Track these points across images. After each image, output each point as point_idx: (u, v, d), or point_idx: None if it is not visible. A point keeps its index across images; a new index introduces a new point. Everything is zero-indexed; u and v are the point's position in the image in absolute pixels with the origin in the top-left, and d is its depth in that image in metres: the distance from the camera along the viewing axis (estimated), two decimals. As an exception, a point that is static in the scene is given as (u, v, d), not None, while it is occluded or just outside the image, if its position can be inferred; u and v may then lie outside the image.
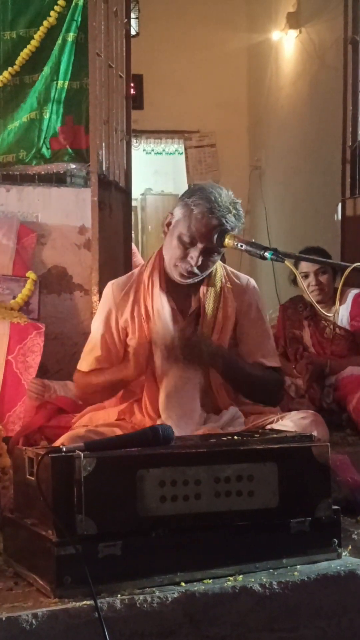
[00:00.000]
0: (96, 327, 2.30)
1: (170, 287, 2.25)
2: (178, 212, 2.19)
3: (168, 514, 1.63)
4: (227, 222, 2.14)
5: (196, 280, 2.23)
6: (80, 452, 1.58)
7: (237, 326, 2.27)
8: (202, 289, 2.25)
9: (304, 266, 3.15)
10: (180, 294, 2.26)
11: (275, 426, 2.15)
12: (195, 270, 2.17)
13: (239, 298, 2.28)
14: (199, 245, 2.14)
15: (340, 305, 3.13)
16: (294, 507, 1.73)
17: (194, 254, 2.14)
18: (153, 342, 2.15)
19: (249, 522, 1.69)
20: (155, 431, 1.70)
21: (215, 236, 2.13)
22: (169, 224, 2.22)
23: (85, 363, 2.30)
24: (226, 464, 1.68)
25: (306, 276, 3.17)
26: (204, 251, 2.15)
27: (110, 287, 2.31)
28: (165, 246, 2.24)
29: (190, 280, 2.22)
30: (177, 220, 2.18)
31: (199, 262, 2.15)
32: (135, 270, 2.34)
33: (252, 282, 2.35)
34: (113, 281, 2.33)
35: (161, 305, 2.21)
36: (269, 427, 2.16)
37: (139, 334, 2.22)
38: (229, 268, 2.34)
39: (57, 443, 2.03)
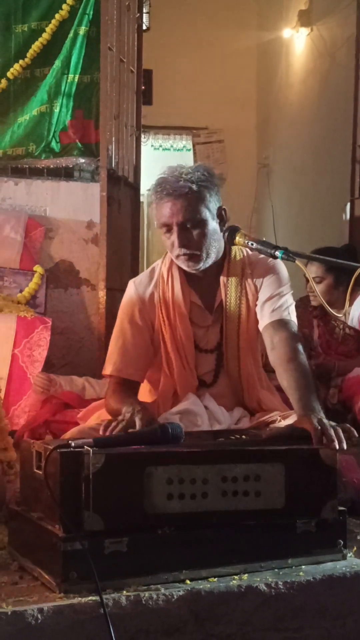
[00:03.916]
0: (120, 326, 2.22)
1: (192, 282, 2.22)
2: (152, 213, 2.18)
3: (175, 512, 1.62)
4: (178, 188, 2.08)
5: (206, 265, 2.15)
6: (89, 448, 1.57)
7: (260, 292, 2.19)
8: (223, 279, 2.21)
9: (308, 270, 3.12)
10: (204, 287, 2.22)
11: (278, 425, 2.13)
12: (185, 250, 2.11)
13: (259, 275, 2.20)
14: (174, 228, 2.10)
15: (350, 305, 3.11)
16: (300, 508, 1.73)
17: (173, 237, 2.11)
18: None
19: (255, 521, 1.69)
20: (165, 429, 1.70)
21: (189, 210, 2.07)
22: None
23: (109, 365, 2.19)
24: (234, 463, 1.68)
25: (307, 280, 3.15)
26: (181, 229, 2.10)
27: (132, 284, 2.27)
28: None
29: (198, 266, 2.15)
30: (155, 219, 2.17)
31: (183, 241, 2.10)
32: (155, 265, 2.29)
33: (275, 261, 2.22)
34: (134, 279, 2.30)
35: (181, 299, 2.18)
36: (271, 425, 2.15)
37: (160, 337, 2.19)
38: (251, 253, 2.24)
39: (66, 437, 2.02)
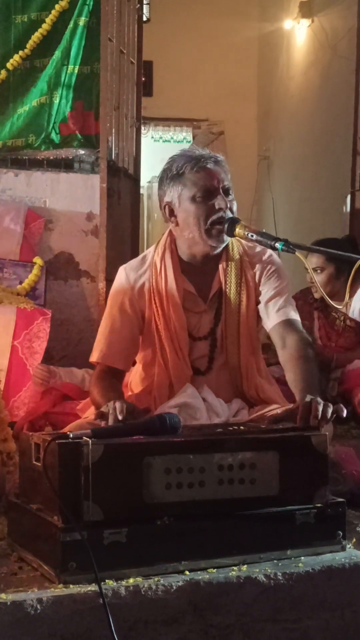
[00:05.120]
0: (109, 313, 2.21)
1: (186, 270, 2.19)
2: (173, 192, 2.13)
3: (173, 501, 1.63)
4: (216, 156, 2.14)
5: (223, 245, 2.14)
6: (87, 439, 1.57)
7: (261, 288, 2.19)
8: (222, 265, 2.18)
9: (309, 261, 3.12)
10: (199, 275, 2.19)
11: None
12: (229, 213, 2.12)
13: (258, 264, 2.20)
14: (219, 190, 2.10)
15: (350, 297, 3.11)
16: (294, 495, 1.74)
17: (216, 200, 2.09)
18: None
19: (250, 509, 1.70)
20: (163, 420, 1.70)
21: (221, 188, 2.11)
22: (171, 210, 2.15)
23: (96, 353, 2.19)
24: (230, 452, 1.68)
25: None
26: (225, 193, 2.12)
27: (123, 270, 2.24)
28: (183, 228, 2.14)
29: (222, 244, 2.14)
30: (179, 196, 2.12)
31: (228, 204, 2.11)
32: (147, 253, 2.26)
33: (272, 254, 2.24)
34: (125, 265, 2.26)
35: (175, 289, 2.15)
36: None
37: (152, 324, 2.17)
38: (245, 243, 2.23)
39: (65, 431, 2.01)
